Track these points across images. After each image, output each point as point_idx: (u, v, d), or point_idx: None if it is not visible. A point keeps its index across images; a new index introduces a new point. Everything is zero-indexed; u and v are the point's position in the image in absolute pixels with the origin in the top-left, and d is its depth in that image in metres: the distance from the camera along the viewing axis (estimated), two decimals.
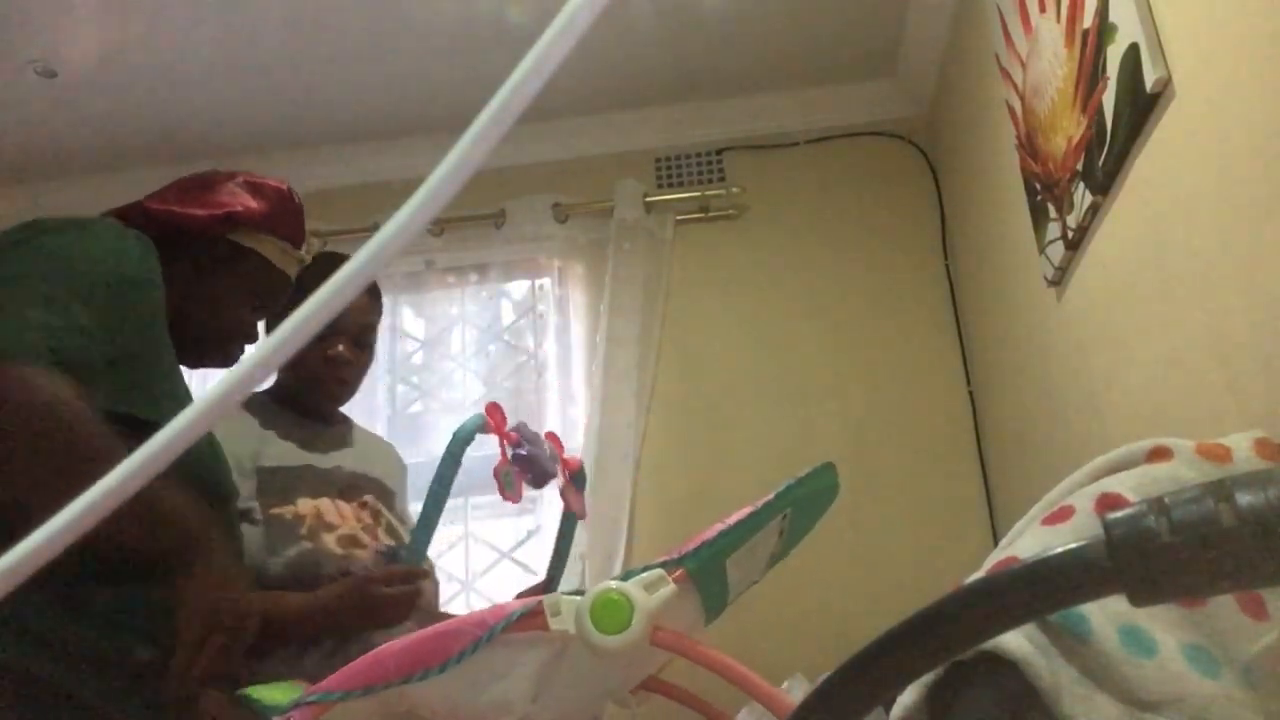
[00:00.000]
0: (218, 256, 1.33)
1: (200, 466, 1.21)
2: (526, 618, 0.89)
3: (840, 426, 2.52)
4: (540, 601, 0.90)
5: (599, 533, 2.37)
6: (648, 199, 2.70)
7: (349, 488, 1.59)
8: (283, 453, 1.57)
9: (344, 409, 1.76)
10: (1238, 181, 1.08)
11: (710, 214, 2.72)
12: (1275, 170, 1.00)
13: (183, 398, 1.22)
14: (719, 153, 2.78)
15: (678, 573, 0.91)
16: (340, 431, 1.70)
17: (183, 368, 1.30)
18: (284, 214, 1.40)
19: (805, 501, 1.11)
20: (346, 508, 1.55)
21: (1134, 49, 1.26)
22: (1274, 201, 1.00)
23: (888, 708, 0.72)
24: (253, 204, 1.36)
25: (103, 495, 0.28)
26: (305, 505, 1.52)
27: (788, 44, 2.54)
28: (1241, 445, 0.81)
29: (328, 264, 1.73)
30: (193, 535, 1.06)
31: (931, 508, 2.40)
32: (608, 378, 2.52)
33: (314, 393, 1.65)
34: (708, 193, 2.71)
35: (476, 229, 2.70)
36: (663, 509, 2.49)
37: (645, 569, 0.91)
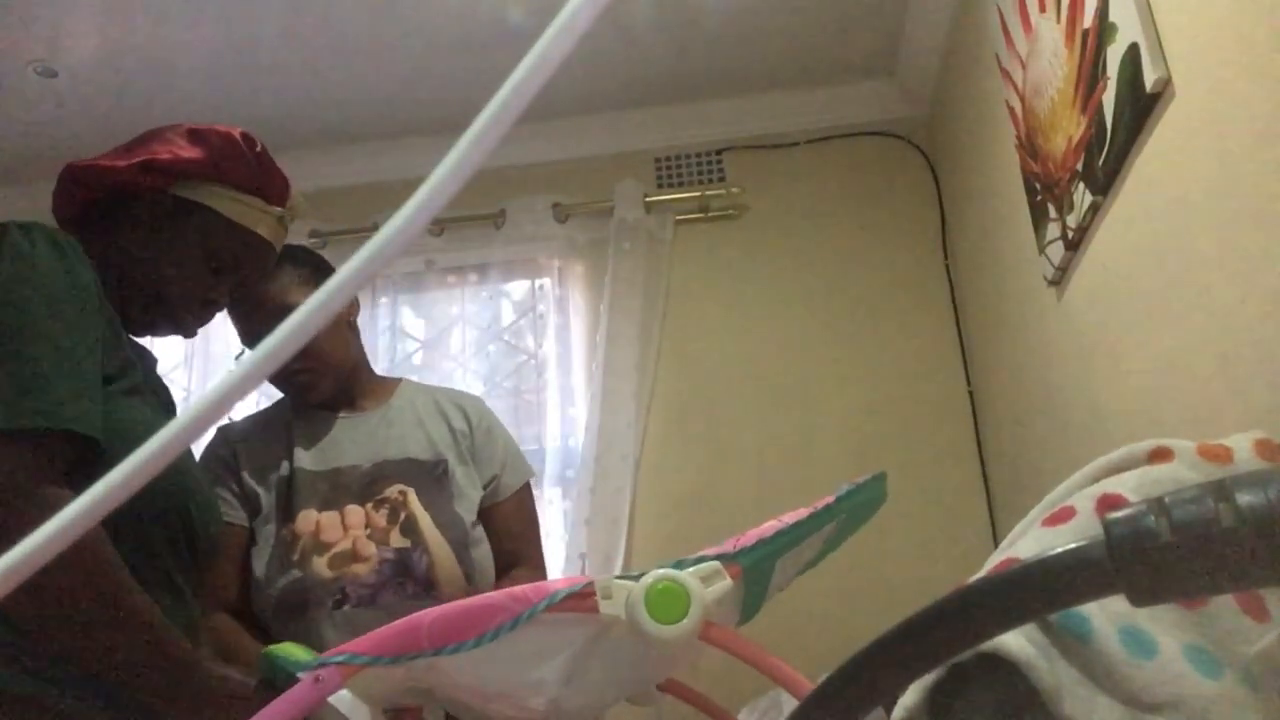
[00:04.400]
0: (160, 214, 1.22)
1: (175, 497, 1.14)
2: (573, 598, 0.85)
3: (840, 426, 2.52)
4: (590, 582, 0.86)
5: (599, 533, 2.37)
6: (648, 199, 2.70)
7: (369, 485, 1.50)
8: (299, 459, 1.52)
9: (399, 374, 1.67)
10: (1238, 181, 1.08)
11: (710, 214, 2.72)
12: (1275, 170, 1.00)
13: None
14: (719, 153, 2.78)
15: (733, 568, 0.88)
16: (374, 418, 1.59)
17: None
18: (232, 161, 1.25)
19: (856, 509, 1.08)
20: (357, 514, 1.47)
21: (1134, 49, 1.26)
22: (1274, 201, 1.00)
23: (888, 708, 0.72)
24: (186, 153, 1.22)
25: (99, 497, 0.28)
26: (306, 522, 1.45)
27: (788, 44, 2.54)
28: (1242, 445, 0.81)
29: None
30: (182, 668, 1.00)
31: (931, 508, 2.40)
32: (608, 378, 2.52)
33: (303, 400, 1.57)
34: (708, 193, 2.71)
35: (476, 229, 2.71)
36: (663, 509, 2.49)
37: (699, 560, 0.88)
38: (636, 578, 0.86)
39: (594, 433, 2.47)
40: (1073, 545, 0.36)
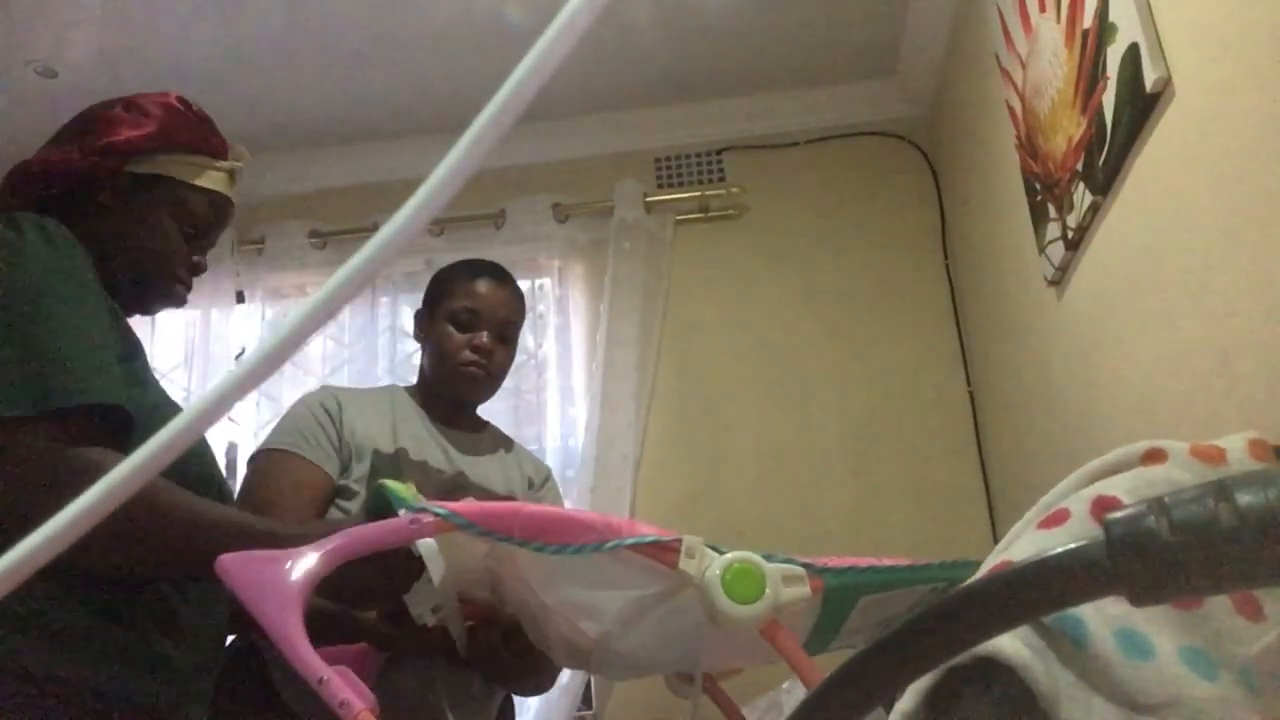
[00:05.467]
0: (124, 194, 1.23)
1: (195, 486, 1.13)
2: (658, 547, 0.87)
3: (840, 426, 2.52)
4: (678, 538, 0.88)
5: None
6: (648, 199, 2.70)
7: (446, 492, 1.51)
8: (403, 440, 1.56)
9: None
10: (1238, 181, 1.08)
11: (710, 214, 2.72)
12: (1275, 170, 1.00)
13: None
14: (719, 153, 2.78)
15: (815, 580, 0.89)
16: (467, 437, 1.66)
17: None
18: (180, 126, 1.27)
19: (952, 586, 1.07)
20: None
21: (1134, 49, 1.26)
22: (1274, 201, 1.00)
23: (888, 708, 0.72)
24: (134, 130, 1.24)
25: (100, 497, 0.28)
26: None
27: (788, 44, 2.53)
28: (1235, 446, 0.81)
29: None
30: (249, 531, 1.01)
31: (931, 508, 2.40)
32: (608, 377, 2.52)
33: (455, 387, 1.63)
34: (708, 193, 2.71)
35: (476, 229, 2.70)
36: (663, 509, 2.49)
37: (787, 560, 0.89)
38: (724, 552, 0.87)
39: (594, 433, 2.47)
40: (1072, 545, 0.36)
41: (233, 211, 1.35)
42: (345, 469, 1.51)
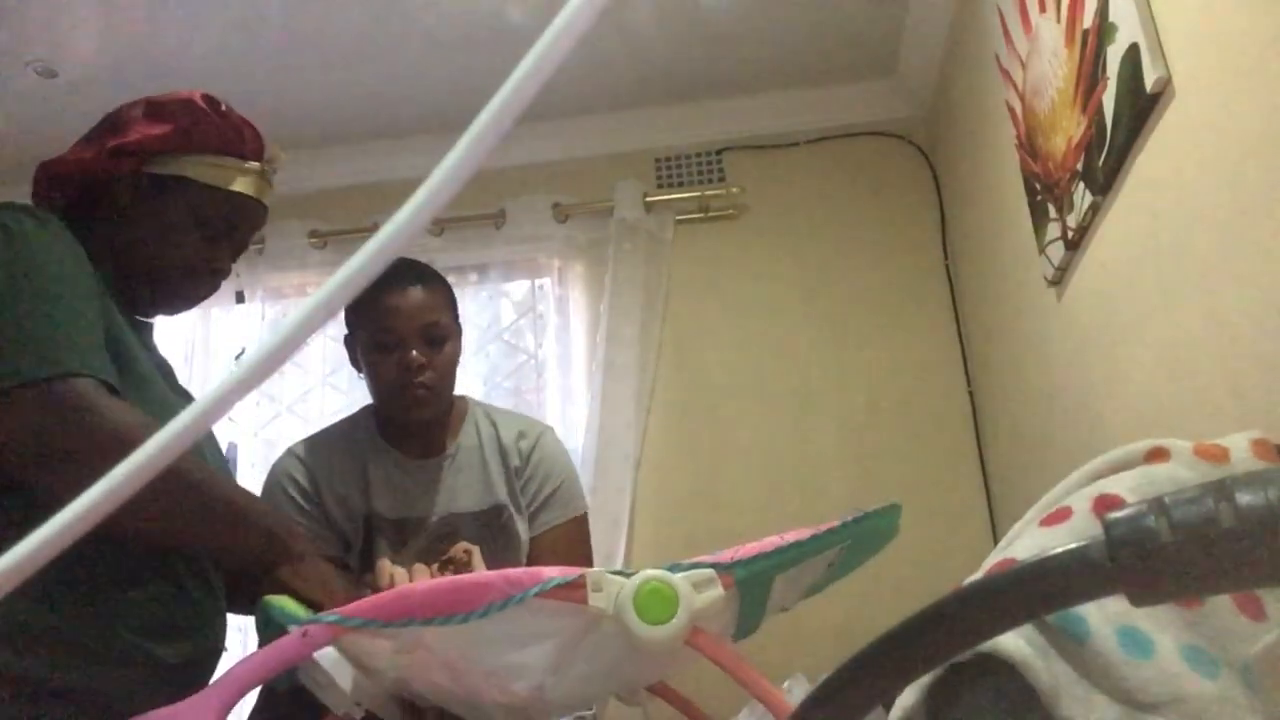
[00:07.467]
0: (142, 196, 1.21)
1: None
2: (565, 588, 0.86)
3: (840, 427, 2.52)
4: (582, 574, 0.87)
5: (599, 532, 2.37)
6: (648, 199, 2.70)
7: (436, 541, 1.47)
8: (380, 499, 1.51)
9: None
10: (1238, 181, 1.08)
11: (710, 214, 2.72)
12: (1275, 170, 1.00)
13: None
14: (719, 153, 2.78)
15: (726, 578, 0.88)
16: (440, 463, 1.56)
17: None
18: (200, 127, 1.24)
19: (864, 537, 1.07)
20: (423, 574, 1.40)
21: (1134, 49, 1.26)
22: (1274, 201, 1.00)
23: (886, 707, 0.72)
24: (153, 130, 1.21)
25: (101, 496, 0.28)
26: (381, 573, 1.36)
27: (787, 44, 2.54)
28: (1239, 445, 0.81)
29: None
30: (277, 535, 1.08)
31: (931, 508, 2.40)
32: (608, 377, 2.52)
33: (403, 415, 1.53)
34: (708, 193, 2.71)
35: (476, 229, 2.71)
36: (663, 509, 2.49)
37: (694, 566, 0.88)
38: (630, 575, 0.87)
39: (594, 433, 2.47)
40: (1072, 545, 0.36)
41: (264, 214, 1.33)
42: (347, 546, 1.48)
